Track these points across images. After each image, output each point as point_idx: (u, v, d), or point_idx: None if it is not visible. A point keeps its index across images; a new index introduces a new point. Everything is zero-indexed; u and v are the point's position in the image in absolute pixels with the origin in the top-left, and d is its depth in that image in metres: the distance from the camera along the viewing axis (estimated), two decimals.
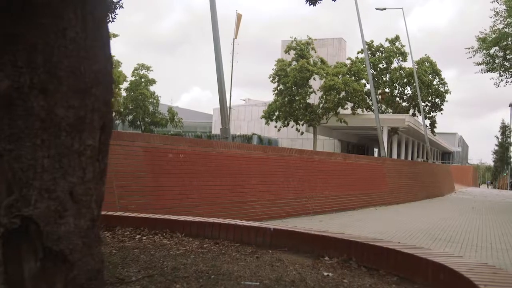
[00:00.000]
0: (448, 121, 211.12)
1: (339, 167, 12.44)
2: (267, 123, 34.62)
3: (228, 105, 11.44)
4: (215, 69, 10.89)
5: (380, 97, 39.40)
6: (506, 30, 19.52)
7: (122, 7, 6.50)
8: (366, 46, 37.10)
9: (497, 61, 20.45)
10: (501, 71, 20.55)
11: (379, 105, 39.19)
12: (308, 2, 4.43)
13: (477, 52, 20.82)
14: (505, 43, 19.45)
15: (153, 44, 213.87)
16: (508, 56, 20.08)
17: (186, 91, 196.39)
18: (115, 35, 26.55)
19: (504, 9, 19.08)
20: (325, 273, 2.84)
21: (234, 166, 8.72)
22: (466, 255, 6.59)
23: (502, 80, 20.93)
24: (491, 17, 19.96)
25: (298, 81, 31.80)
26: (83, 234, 1.85)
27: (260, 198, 9.16)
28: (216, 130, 43.82)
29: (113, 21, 6.76)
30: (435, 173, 23.41)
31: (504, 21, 19.60)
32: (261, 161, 9.53)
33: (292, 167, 10.39)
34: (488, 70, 20.68)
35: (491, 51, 20.31)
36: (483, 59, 20.67)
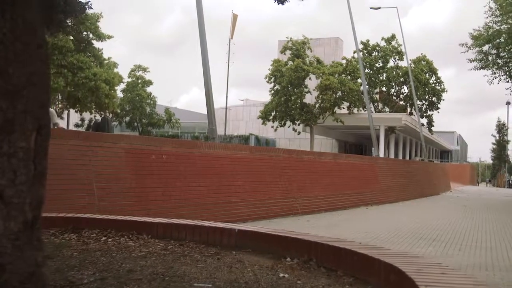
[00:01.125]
0: (447, 120, 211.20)
1: (329, 166, 12.42)
2: (263, 123, 34.61)
3: (215, 105, 11.40)
4: (202, 71, 10.92)
5: (378, 96, 39.43)
6: (499, 28, 19.49)
7: (91, 8, 6.51)
8: (362, 46, 37.21)
9: (490, 58, 20.45)
10: (494, 69, 20.56)
11: (376, 104, 39.23)
12: (276, 1, 4.43)
13: (471, 49, 20.84)
14: (498, 40, 19.43)
15: (152, 45, 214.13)
16: (501, 53, 20.08)
17: (185, 92, 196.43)
18: (109, 37, 26.45)
19: (497, 7, 19.04)
20: (281, 275, 2.82)
21: (219, 166, 8.70)
22: (449, 254, 6.58)
23: (495, 78, 20.96)
24: (485, 13, 19.93)
25: (293, 80, 31.80)
26: (14, 237, 1.84)
27: (247, 199, 9.15)
28: None
29: (82, 21, 6.71)
30: (430, 172, 23.38)
31: (498, 19, 19.56)
32: (247, 162, 9.51)
33: (280, 167, 10.37)
34: (482, 68, 20.69)
35: (484, 48, 20.33)
36: (476, 56, 20.70)
